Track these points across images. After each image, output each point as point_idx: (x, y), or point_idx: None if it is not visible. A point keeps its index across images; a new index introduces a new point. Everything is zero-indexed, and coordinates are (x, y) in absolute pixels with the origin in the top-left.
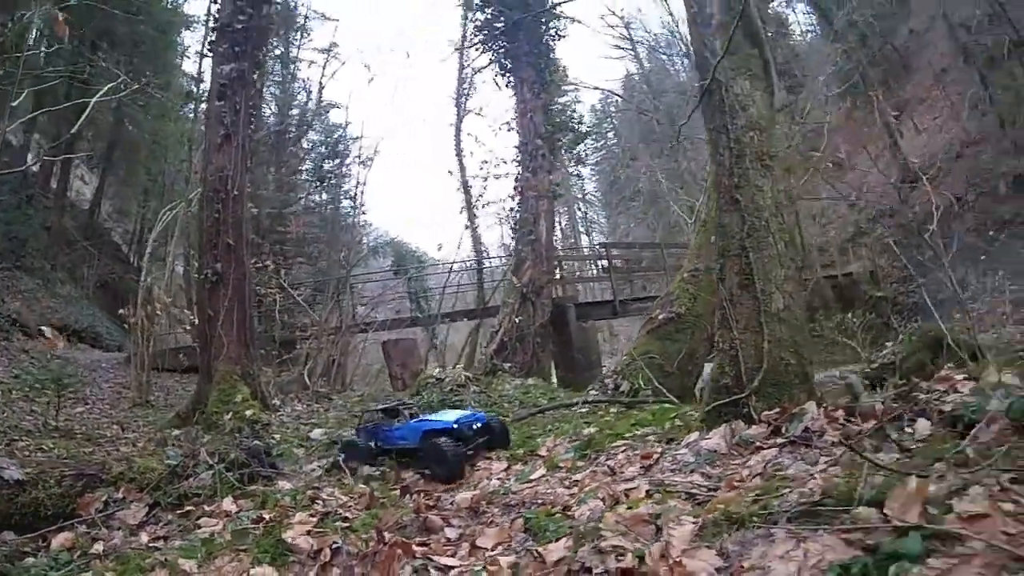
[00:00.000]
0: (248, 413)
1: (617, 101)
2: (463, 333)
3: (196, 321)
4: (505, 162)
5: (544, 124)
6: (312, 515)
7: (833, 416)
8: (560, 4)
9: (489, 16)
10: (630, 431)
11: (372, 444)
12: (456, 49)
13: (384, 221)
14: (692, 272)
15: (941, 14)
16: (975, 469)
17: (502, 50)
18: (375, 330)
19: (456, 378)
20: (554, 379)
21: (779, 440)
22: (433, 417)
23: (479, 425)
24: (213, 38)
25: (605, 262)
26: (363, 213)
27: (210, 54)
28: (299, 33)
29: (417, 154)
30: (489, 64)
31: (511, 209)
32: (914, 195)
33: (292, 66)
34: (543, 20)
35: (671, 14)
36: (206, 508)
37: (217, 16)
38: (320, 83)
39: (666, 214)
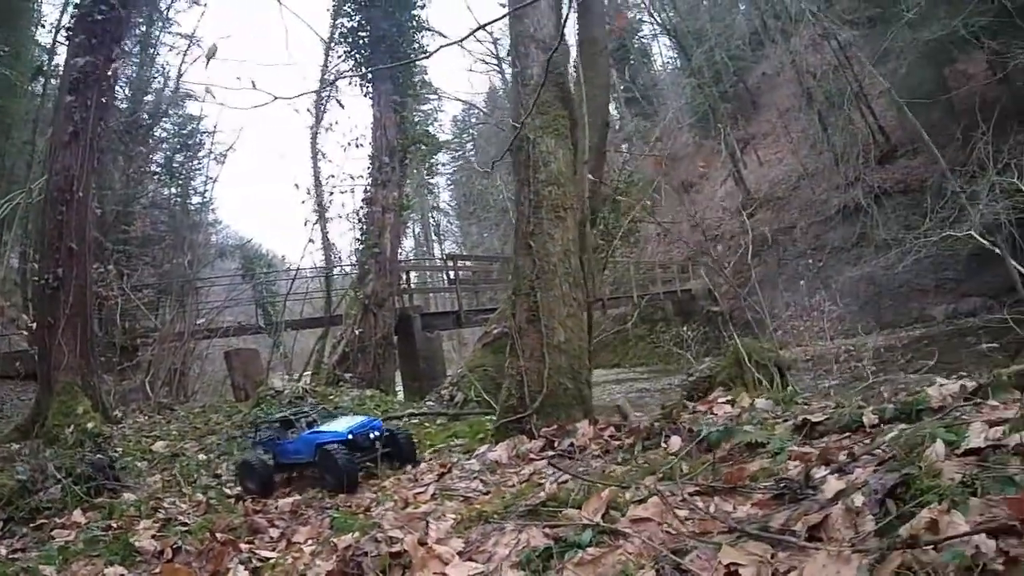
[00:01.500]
0: (90, 426)
1: (479, 113)
2: (313, 340)
3: (34, 325)
4: (352, 177)
5: (397, 138)
6: (155, 522)
7: (601, 433)
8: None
9: (355, 24)
10: (445, 442)
11: (268, 461)
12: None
13: (237, 221)
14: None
15: (791, 61)
16: (668, 482)
17: (364, 60)
18: (220, 336)
19: (294, 390)
20: (400, 388)
21: (550, 453)
22: (326, 428)
23: (376, 434)
24: (71, 25)
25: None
26: (213, 211)
27: (67, 35)
28: (163, 15)
29: (276, 154)
30: (350, 72)
31: (359, 220)
32: (753, 220)
33: (151, 50)
34: (409, 34)
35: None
36: (57, 520)
37: (77, 3)
38: (180, 70)
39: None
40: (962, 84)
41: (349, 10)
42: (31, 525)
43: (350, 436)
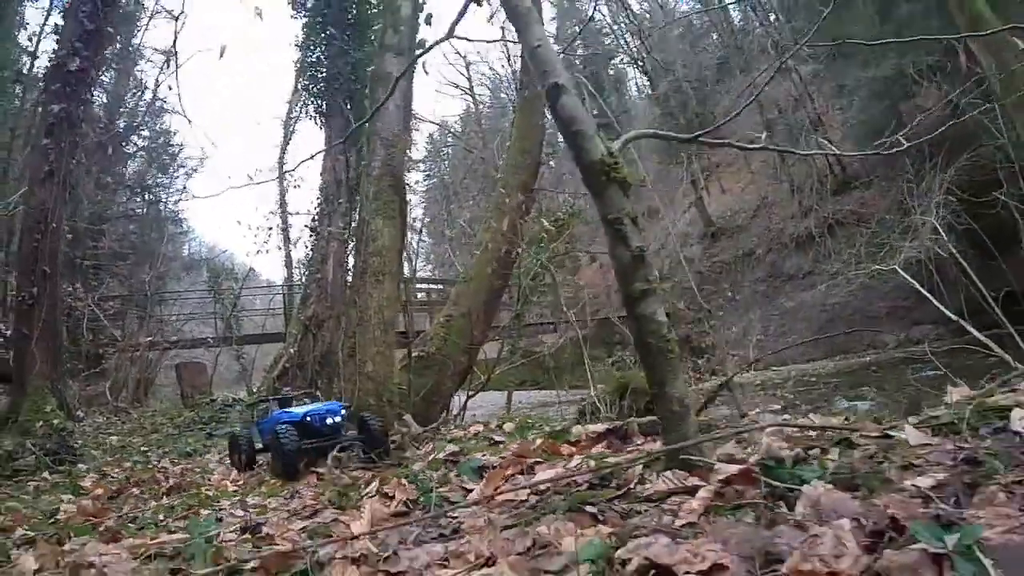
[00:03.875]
0: (55, 422)
1: (453, 133)
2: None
3: (9, 334)
4: (294, 214)
5: (344, 172)
6: (97, 476)
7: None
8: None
9: (315, 59)
10: None
11: (255, 439)
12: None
13: (210, 231)
14: (448, 316)
15: (752, 94)
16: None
17: (318, 94)
18: (179, 348)
19: (225, 399)
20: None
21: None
22: (292, 410)
23: (336, 420)
24: (47, 73)
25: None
26: (184, 222)
27: (43, 83)
28: (142, 31)
29: (248, 169)
30: (310, 104)
31: (306, 247)
32: (715, 247)
33: (128, 63)
34: (362, 72)
35: (509, 59)
36: (31, 478)
37: (54, 53)
38: (156, 81)
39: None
40: (916, 119)
41: (311, 43)
42: (13, 480)
43: (306, 418)
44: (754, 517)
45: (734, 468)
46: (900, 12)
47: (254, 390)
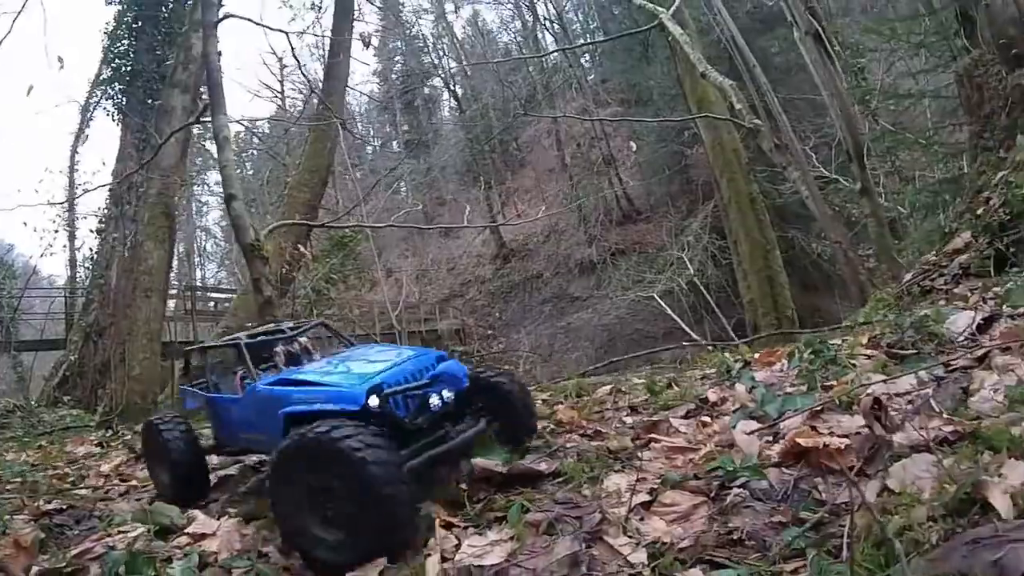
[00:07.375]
0: None
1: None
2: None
3: None
4: (83, 217)
5: (138, 173)
6: None
7: None
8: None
9: (122, 50)
10: None
11: (194, 435)
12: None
13: None
14: (226, 327)
15: (552, 129)
16: None
17: (119, 91)
18: None
19: (6, 405)
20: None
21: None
22: (313, 370)
23: (452, 392)
24: None
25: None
26: None
27: None
28: None
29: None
30: (110, 99)
31: (90, 250)
32: (507, 267)
33: None
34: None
35: (324, 68)
36: None
37: None
38: None
39: None
40: (699, 162)
41: (120, 33)
42: None
43: (381, 391)
44: None
45: None
46: None
47: (33, 400)
